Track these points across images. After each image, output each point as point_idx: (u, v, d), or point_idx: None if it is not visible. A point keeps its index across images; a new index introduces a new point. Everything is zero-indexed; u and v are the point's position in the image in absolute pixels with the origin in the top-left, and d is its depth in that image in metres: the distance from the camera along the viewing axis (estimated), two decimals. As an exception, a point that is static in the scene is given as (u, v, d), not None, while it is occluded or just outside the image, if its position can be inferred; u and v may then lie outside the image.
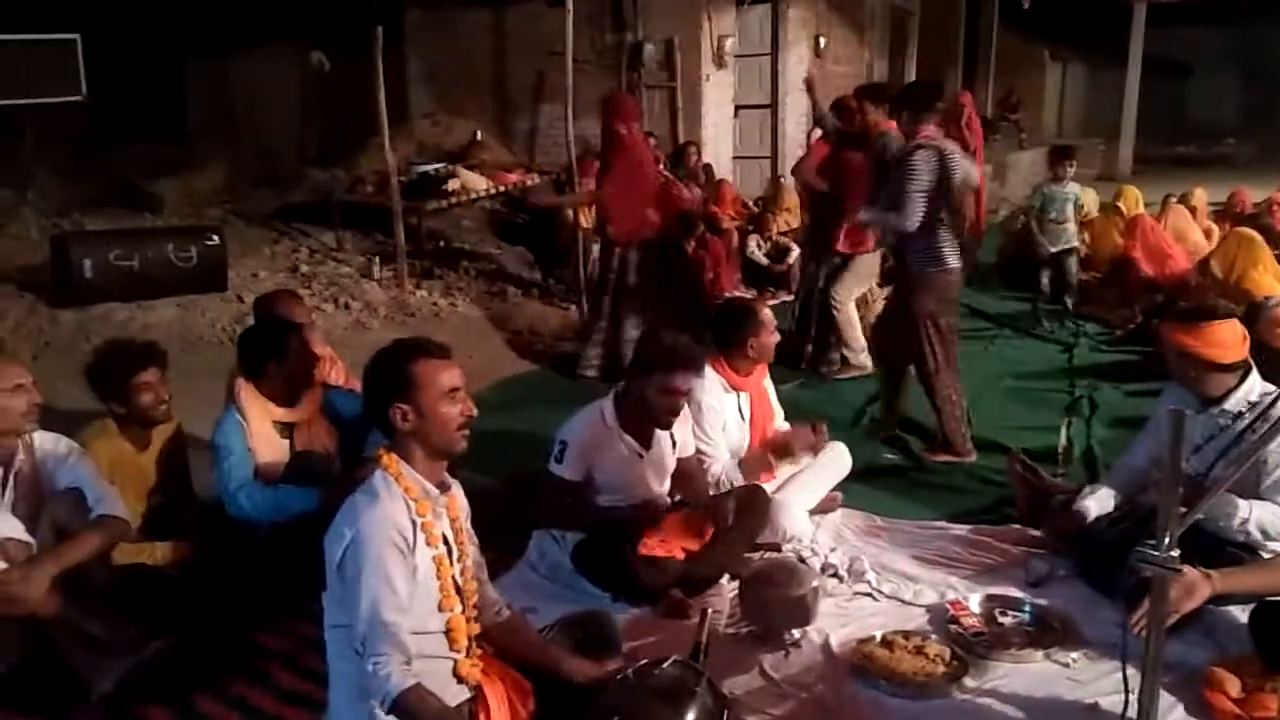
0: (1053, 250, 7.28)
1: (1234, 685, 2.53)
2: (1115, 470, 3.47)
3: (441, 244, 8.09)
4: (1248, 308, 4.52)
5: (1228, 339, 3.00)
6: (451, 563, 2.20)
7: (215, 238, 6.46)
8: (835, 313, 5.75)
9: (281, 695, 2.78)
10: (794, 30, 10.39)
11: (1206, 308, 3.12)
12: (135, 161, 8.60)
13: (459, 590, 2.20)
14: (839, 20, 11.26)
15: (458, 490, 2.30)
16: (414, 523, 2.11)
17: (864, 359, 5.68)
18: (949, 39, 14.41)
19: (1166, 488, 1.54)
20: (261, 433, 3.30)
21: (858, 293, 5.93)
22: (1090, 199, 8.10)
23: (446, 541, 2.20)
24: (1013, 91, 16.08)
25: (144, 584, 2.97)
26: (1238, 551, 2.90)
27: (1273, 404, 2.96)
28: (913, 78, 13.09)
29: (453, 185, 8.11)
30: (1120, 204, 7.71)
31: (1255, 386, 3.01)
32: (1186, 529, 1.60)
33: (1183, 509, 1.59)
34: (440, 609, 2.16)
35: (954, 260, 4.33)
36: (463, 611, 2.21)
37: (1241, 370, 3.04)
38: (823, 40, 10.81)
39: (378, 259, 7.24)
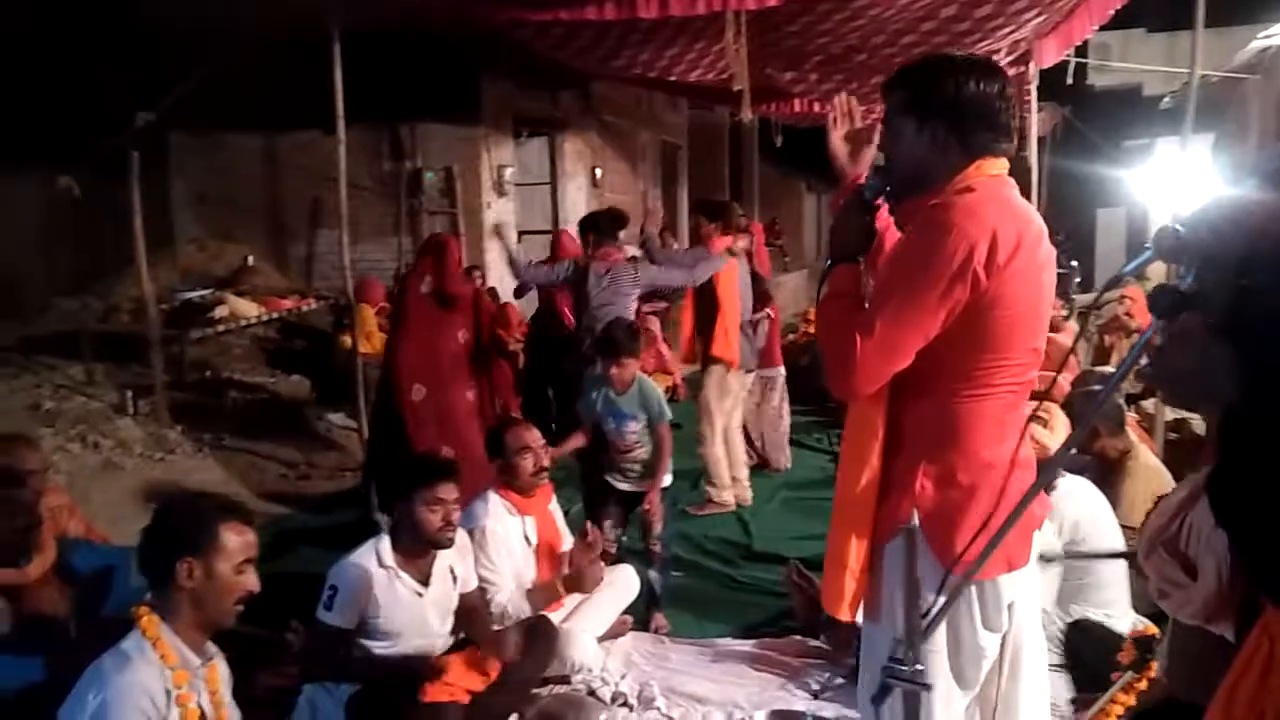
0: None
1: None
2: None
3: (208, 374, 7.61)
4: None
5: None
6: (207, 739, 2.01)
7: (-65, 375, 5.81)
8: (700, 449, 5.46)
9: None
10: (571, 162, 10.82)
11: None
12: None
13: (211, 768, 2.00)
14: (613, 153, 11.82)
15: (220, 659, 2.14)
16: (169, 693, 1.93)
17: (727, 496, 5.48)
18: (716, 171, 15.46)
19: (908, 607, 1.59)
20: (-28, 599, 2.91)
21: (721, 421, 5.49)
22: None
23: (204, 716, 2.01)
24: (776, 218, 17.36)
25: None
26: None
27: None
28: (685, 206, 13.91)
29: (220, 312, 7.72)
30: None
31: None
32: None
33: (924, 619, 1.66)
34: (191, 788, 1.95)
35: None
36: (215, 790, 2.00)
37: None
38: (599, 171, 11.30)
39: (130, 393, 6.70)
